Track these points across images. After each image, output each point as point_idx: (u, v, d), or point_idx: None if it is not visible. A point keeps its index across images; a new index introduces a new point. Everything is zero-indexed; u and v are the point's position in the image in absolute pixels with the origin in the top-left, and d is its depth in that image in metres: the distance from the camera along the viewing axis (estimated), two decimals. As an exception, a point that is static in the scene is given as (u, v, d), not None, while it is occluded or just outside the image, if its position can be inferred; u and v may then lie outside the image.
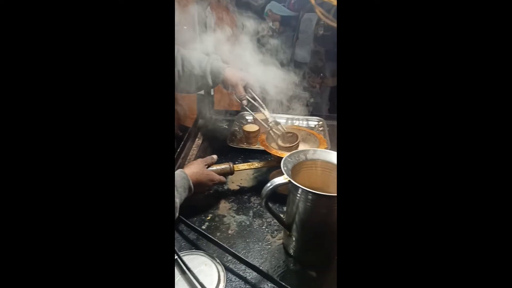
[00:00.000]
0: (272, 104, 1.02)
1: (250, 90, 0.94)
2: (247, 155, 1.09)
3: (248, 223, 0.79)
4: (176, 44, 0.98)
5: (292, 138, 0.93)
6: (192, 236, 0.74)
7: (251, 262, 0.64)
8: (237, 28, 1.05)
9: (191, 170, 0.77)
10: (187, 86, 0.96)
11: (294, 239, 0.69)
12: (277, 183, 0.62)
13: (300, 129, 1.00)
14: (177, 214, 0.70)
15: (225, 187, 0.93)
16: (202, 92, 1.27)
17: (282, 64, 1.04)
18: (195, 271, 0.62)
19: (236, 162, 0.96)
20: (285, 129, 0.95)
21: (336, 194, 0.55)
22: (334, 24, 1.10)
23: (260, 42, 1.07)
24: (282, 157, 0.68)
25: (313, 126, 1.28)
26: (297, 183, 0.60)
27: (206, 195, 0.87)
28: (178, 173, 0.75)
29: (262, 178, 0.97)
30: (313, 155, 0.72)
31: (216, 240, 0.69)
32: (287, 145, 0.90)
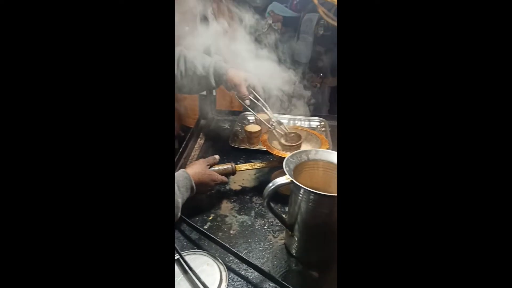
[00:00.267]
0: (274, 104, 1.02)
1: (252, 91, 0.94)
2: (249, 155, 1.09)
3: (250, 223, 0.79)
4: (178, 45, 0.98)
5: (295, 137, 0.93)
6: (194, 236, 0.74)
7: (253, 262, 0.64)
8: (239, 26, 1.05)
9: (193, 170, 0.77)
10: (190, 86, 0.97)
11: (296, 239, 0.69)
12: (279, 183, 0.62)
13: (302, 129, 1.00)
14: (179, 214, 0.71)
15: (227, 187, 0.93)
16: (204, 92, 1.28)
17: (283, 64, 1.04)
18: (197, 270, 0.62)
19: (238, 162, 0.97)
20: (288, 129, 0.95)
21: (338, 194, 0.55)
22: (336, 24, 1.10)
23: (262, 42, 1.07)
24: (284, 157, 0.68)
25: (315, 126, 1.28)
26: (299, 183, 0.60)
27: (208, 195, 0.88)
28: (180, 173, 0.75)
29: (264, 179, 0.97)
30: (315, 155, 0.72)
31: (218, 240, 0.69)
32: (290, 144, 0.90)
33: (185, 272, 0.63)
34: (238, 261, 0.67)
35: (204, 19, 1.05)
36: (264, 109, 0.95)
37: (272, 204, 0.67)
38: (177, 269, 0.64)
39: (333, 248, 0.66)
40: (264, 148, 0.92)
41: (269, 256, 0.70)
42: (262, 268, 0.63)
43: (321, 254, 0.69)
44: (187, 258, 0.65)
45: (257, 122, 1.14)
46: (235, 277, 0.65)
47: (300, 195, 0.63)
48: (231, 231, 0.77)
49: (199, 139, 1.19)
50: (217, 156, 0.87)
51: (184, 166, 0.97)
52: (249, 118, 1.32)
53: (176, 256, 0.66)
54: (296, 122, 1.28)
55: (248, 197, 0.89)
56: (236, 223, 0.79)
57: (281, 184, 0.62)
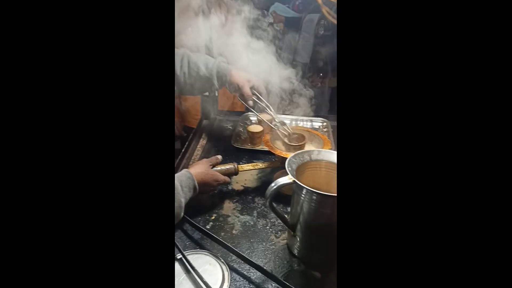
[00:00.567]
0: (274, 100, 1.02)
1: (255, 92, 0.94)
2: (251, 155, 1.09)
3: (252, 223, 0.79)
4: (182, 47, 0.99)
5: (298, 138, 0.94)
6: (196, 235, 0.75)
7: (255, 262, 0.64)
8: (237, 20, 1.04)
9: (196, 170, 0.78)
10: (193, 87, 0.97)
11: (298, 239, 0.69)
12: (281, 183, 0.62)
13: (305, 130, 1.00)
14: (182, 214, 0.71)
15: (229, 187, 0.93)
16: (206, 93, 1.28)
17: (283, 62, 1.04)
18: (199, 270, 0.62)
19: (241, 163, 0.97)
20: (291, 130, 0.96)
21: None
22: None
23: (261, 38, 1.06)
24: (286, 158, 0.68)
25: (317, 127, 1.28)
26: (302, 183, 0.60)
27: (210, 195, 0.88)
28: (183, 173, 0.75)
29: (266, 179, 0.98)
30: (317, 155, 0.72)
31: (221, 239, 0.69)
32: (295, 143, 0.90)
33: (187, 271, 0.63)
34: (240, 261, 0.67)
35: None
36: (267, 109, 0.96)
37: (274, 204, 0.67)
38: (179, 269, 0.64)
39: (335, 248, 0.66)
40: (266, 148, 0.92)
41: (271, 256, 0.70)
42: (264, 268, 0.64)
43: (323, 254, 0.69)
44: (189, 257, 0.65)
45: (260, 122, 1.14)
46: (237, 277, 0.65)
47: (303, 195, 0.63)
48: (233, 231, 0.77)
49: (201, 140, 1.20)
50: (219, 156, 0.88)
51: (186, 166, 0.98)
52: (251, 118, 1.32)
53: (179, 256, 0.66)
54: (299, 122, 1.29)
55: (250, 197, 0.89)
56: (239, 223, 0.79)
57: (284, 184, 0.62)
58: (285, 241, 0.74)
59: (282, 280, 0.61)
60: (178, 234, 0.75)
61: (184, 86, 0.97)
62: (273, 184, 0.63)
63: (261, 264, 0.65)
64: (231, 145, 1.13)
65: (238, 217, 0.81)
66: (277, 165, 0.91)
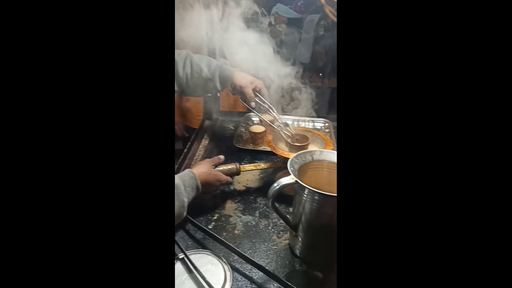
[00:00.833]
0: (275, 100, 1.02)
1: (257, 94, 0.95)
2: (253, 156, 1.09)
3: (254, 223, 0.80)
4: (185, 48, 0.99)
5: (302, 138, 0.94)
6: (198, 235, 0.75)
7: (257, 262, 0.64)
8: (234, 14, 1.04)
9: (199, 170, 0.78)
10: (195, 89, 0.98)
11: (300, 239, 0.69)
12: (283, 183, 0.62)
13: (307, 130, 1.00)
14: (185, 213, 0.71)
15: (231, 188, 0.93)
16: (209, 94, 1.28)
17: (286, 64, 1.04)
18: (201, 270, 0.62)
19: (242, 163, 0.97)
20: (294, 131, 0.96)
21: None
22: None
23: (260, 33, 1.06)
24: (288, 158, 0.68)
25: (319, 127, 1.29)
26: (304, 183, 0.60)
27: (212, 195, 0.88)
28: (186, 172, 0.75)
29: (268, 179, 0.98)
30: (319, 156, 0.73)
31: (223, 239, 0.69)
32: (298, 144, 0.91)
33: (189, 271, 0.64)
34: (242, 261, 0.67)
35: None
36: (270, 111, 0.96)
37: (276, 205, 0.67)
38: (182, 268, 0.64)
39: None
40: (268, 149, 0.92)
41: (273, 256, 0.70)
42: (266, 268, 0.64)
43: (325, 255, 0.69)
44: (191, 257, 0.65)
45: (262, 123, 1.14)
46: (239, 277, 0.65)
47: (305, 195, 0.63)
48: (235, 231, 0.77)
49: (203, 140, 1.20)
50: (222, 156, 0.88)
51: (188, 166, 0.98)
52: (253, 119, 1.32)
53: (181, 255, 0.66)
54: (300, 123, 1.29)
55: (252, 197, 0.89)
56: (241, 223, 0.80)
57: (286, 184, 0.62)
58: (287, 241, 0.74)
59: (284, 280, 0.61)
60: (181, 234, 0.75)
61: (186, 87, 0.98)
62: (275, 184, 0.63)
63: (263, 264, 0.65)
64: (233, 146, 1.13)
65: (240, 217, 0.82)
66: (279, 166, 0.91)
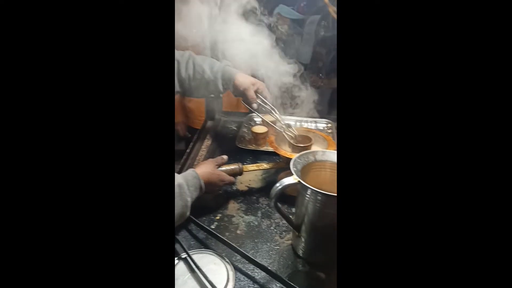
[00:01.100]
0: (275, 97, 1.02)
1: (259, 95, 0.95)
2: (256, 156, 1.10)
3: (256, 223, 0.80)
4: (187, 49, 0.99)
5: (304, 139, 0.94)
6: (201, 235, 0.75)
7: (260, 262, 0.64)
8: (236, 13, 1.03)
9: (202, 170, 0.78)
10: (197, 90, 0.98)
11: (303, 240, 0.69)
12: (286, 183, 0.62)
13: (309, 131, 1.00)
14: (188, 213, 0.71)
15: (234, 188, 0.93)
16: (212, 95, 1.28)
17: (286, 62, 1.04)
18: (204, 269, 0.63)
19: (245, 163, 0.97)
20: (297, 132, 0.96)
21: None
22: None
23: (263, 35, 1.06)
24: (291, 159, 0.68)
25: (321, 128, 1.29)
26: (306, 184, 0.60)
27: (215, 195, 0.88)
28: (189, 172, 0.76)
29: (270, 180, 0.98)
30: (322, 156, 0.73)
31: (225, 239, 0.69)
32: (301, 145, 0.91)
33: (192, 271, 0.64)
34: (245, 261, 0.67)
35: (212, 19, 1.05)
36: (273, 112, 0.96)
37: (279, 205, 0.67)
38: (184, 268, 0.65)
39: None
40: (270, 149, 0.92)
41: (275, 257, 0.70)
42: (269, 268, 0.64)
43: (328, 255, 0.69)
44: (194, 257, 0.65)
45: (264, 123, 1.14)
46: (241, 277, 0.65)
47: (307, 195, 0.63)
48: (238, 231, 0.77)
49: (206, 140, 1.20)
50: (225, 156, 0.88)
51: (191, 166, 0.98)
52: (255, 119, 1.33)
53: (184, 255, 0.66)
54: (303, 123, 1.29)
55: (254, 197, 0.89)
56: (243, 223, 0.80)
57: (289, 184, 0.62)
58: (289, 241, 0.74)
59: (286, 280, 0.61)
60: (183, 234, 0.75)
61: (188, 88, 0.98)
62: (278, 184, 0.63)
63: (266, 264, 0.65)
64: (236, 146, 1.13)
65: (243, 217, 0.82)
66: (282, 166, 0.92)
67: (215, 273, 0.63)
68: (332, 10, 1.08)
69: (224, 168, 0.86)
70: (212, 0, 1.03)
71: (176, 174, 0.72)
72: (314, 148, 0.94)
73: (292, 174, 0.63)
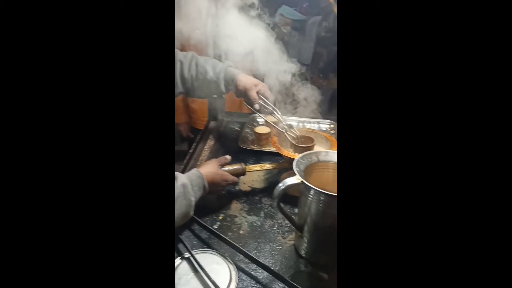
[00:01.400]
0: (281, 105, 1.02)
1: (261, 96, 0.95)
2: (258, 157, 1.10)
3: (259, 223, 0.80)
4: (190, 50, 1.00)
5: (307, 140, 0.94)
6: (204, 235, 0.75)
7: (263, 262, 0.64)
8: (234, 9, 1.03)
9: (206, 170, 0.78)
10: (200, 91, 0.99)
11: (305, 240, 0.69)
12: (289, 183, 0.62)
13: (312, 131, 1.00)
14: (192, 213, 0.71)
15: (237, 188, 0.93)
16: (214, 95, 1.29)
17: (287, 62, 1.04)
18: (206, 269, 0.63)
19: (248, 164, 0.97)
20: (299, 132, 0.96)
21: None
22: None
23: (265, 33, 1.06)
24: (294, 159, 0.69)
25: (324, 129, 1.29)
26: (309, 184, 0.61)
27: (218, 195, 0.88)
28: (193, 172, 0.76)
29: (273, 180, 0.98)
30: (325, 156, 0.73)
31: (228, 239, 0.69)
32: (303, 145, 0.91)
33: (195, 270, 0.64)
34: (248, 261, 0.67)
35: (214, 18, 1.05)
36: (275, 113, 0.96)
37: (281, 205, 0.67)
38: (187, 267, 0.65)
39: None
40: (273, 149, 0.92)
41: (278, 257, 0.70)
42: (272, 268, 0.64)
43: (330, 256, 0.69)
44: (197, 256, 0.65)
45: (267, 124, 1.14)
46: (244, 277, 0.65)
47: (310, 196, 0.63)
48: (241, 231, 0.77)
49: (208, 141, 1.20)
50: (228, 157, 0.88)
51: (194, 167, 0.98)
52: (258, 120, 1.33)
53: (187, 255, 0.67)
54: (306, 124, 1.29)
55: (257, 198, 0.89)
56: (246, 223, 0.80)
57: (292, 184, 0.62)
58: (292, 242, 0.74)
59: (289, 280, 0.61)
60: (186, 233, 0.75)
61: (191, 88, 0.99)
62: (280, 184, 0.63)
63: (268, 265, 0.65)
64: (238, 146, 1.13)
65: (245, 217, 0.82)
66: (285, 166, 0.92)
67: (218, 273, 0.63)
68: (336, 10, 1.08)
69: (227, 168, 0.86)
70: None
71: (180, 174, 0.72)
72: (316, 148, 0.94)
73: (295, 175, 0.64)
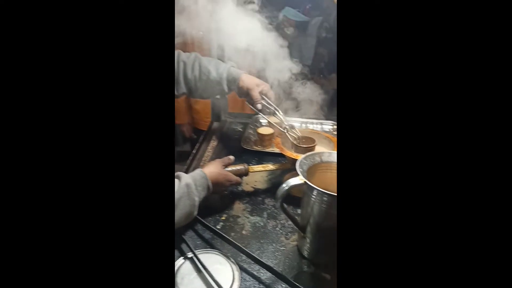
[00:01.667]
0: (284, 105, 1.02)
1: (264, 97, 0.95)
2: (261, 157, 1.10)
3: (262, 224, 0.80)
4: (193, 51, 1.00)
5: (308, 141, 0.94)
6: (207, 235, 0.75)
7: (265, 263, 0.64)
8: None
9: (209, 170, 0.78)
10: (203, 91, 0.99)
11: (308, 240, 0.69)
12: (292, 183, 0.62)
13: (315, 132, 1.00)
14: (195, 213, 0.72)
15: (240, 188, 0.94)
16: (218, 96, 1.29)
17: (288, 61, 1.04)
18: (210, 269, 0.63)
19: (250, 164, 0.97)
20: (300, 133, 0.96)
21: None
22: None
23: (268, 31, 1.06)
24: (297, 160, 0.69)
25: (327, 130, 1.29)
26: (312, 184, 0.61)
27: (221, 196, 0.89)
28: (197, 172, 0.76)
29: (276, 181, 0.98)
30: (328, 157, 0.73)
31: (231, 239, 0.70)
32: (304, 146, 0.91)
33: (198, 270, 0.64)
34: (250, 261, 0.67)
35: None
36: (277, 114, 0.96)
37: (285, 205, 0.67)
38: (190, 267, 0.65)
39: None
40: (276, 150, 0.93)
41: (281, 257, 0.70)
42: (274, 268, 0.64)
43: (333, 256, 0.68)
44: (200, 256, 0.66)
45: (270, 125, 1.14)
46: (247, 277, 0.65)
47: (313, 196, 0.63)
48: (243, 232, 0.77)
49: (212, 141, 1.21)
50: (232, 157, 0.88)
51: (197, 167, 0.98)
52: (261, 120, 1.33)
53: (190, 254, 0.67)
54: (309, 125, 1.29)
55: (260, 198, 0.90)
56: (249, 224, 0.80)
57: (295, 185, 0.62)
58: (295, 242, 0.74)
59: (292, 281, 0.61)
60: (189, 234, 0.76)
61: (194, 89, 0.99)
62: (284, 185, 0.63)
63: (271, 265, 0.65)
64: (241, 147, 1.14)
65: (248, 218, 0.82)
66: (287, 167, 0.92)
67: (221, 273, 0.64)
68: None
69: (230, 168, 0.86)
70: None
71: (184, 174, 0.72)
72: (318, 149, 0.94)
73: (298, 175, 0.64)
